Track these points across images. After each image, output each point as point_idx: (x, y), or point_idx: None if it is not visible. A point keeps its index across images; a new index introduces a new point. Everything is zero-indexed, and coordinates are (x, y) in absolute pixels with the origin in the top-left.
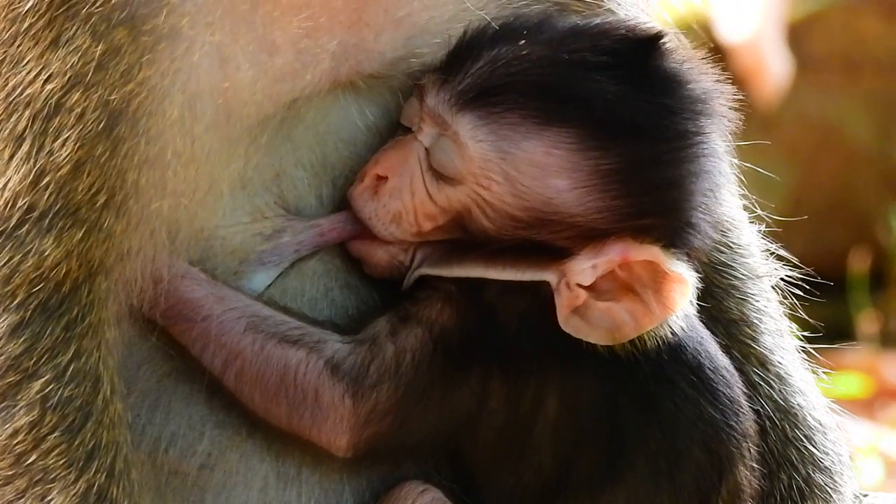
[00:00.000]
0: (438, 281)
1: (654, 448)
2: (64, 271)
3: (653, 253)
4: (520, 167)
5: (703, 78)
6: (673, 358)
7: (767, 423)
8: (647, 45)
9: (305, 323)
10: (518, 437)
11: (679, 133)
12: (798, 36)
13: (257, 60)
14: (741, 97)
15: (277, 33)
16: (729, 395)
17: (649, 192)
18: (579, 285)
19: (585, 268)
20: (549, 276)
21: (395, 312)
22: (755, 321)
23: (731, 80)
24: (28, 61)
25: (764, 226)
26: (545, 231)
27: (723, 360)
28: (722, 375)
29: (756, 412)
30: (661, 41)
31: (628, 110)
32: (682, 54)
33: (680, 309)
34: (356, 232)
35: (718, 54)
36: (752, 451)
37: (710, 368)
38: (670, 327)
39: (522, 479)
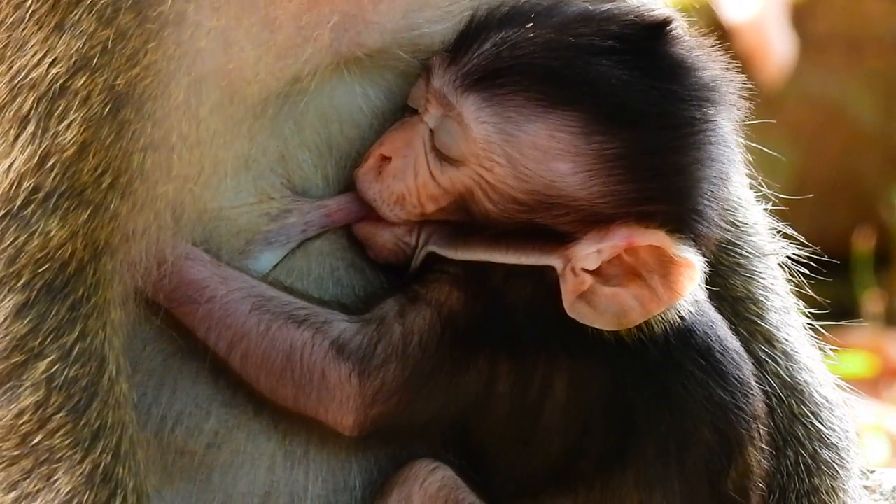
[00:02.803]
0: (446, 263)
1: (664, 431)
2: (69, 252)
3: (658, 238)
4: (523, 150)
5: (711, 65)
6: (682, 341)
7: (774, 399)
8: (655, 31)
9: (312, 303)
10: (527, 421)
11: (685, 120)
12: (801, 16)
13: (260, 40)
14: (745, 77)
15: (279, 11)
16: (738, 377)
17: (654, 178)
18: (584, 270)
19: (590, 252)
20: (554, 261)
21: (403, 293)
22: (761, 298)
23: (734, 61)
24: (32, 45)
25: (769, 205)
26: (548, 215)
27: (733, 343)
28: (731, 357)
29: (762, 389)
30: (670, 27)
31: (634, 96)
32: (691, 41)
33: (688, 293)
34: (363, 213)
35: (722, 34)
36: (761, 432)
37: (719, 351)
38: (679, 312)
39: (532, 462)
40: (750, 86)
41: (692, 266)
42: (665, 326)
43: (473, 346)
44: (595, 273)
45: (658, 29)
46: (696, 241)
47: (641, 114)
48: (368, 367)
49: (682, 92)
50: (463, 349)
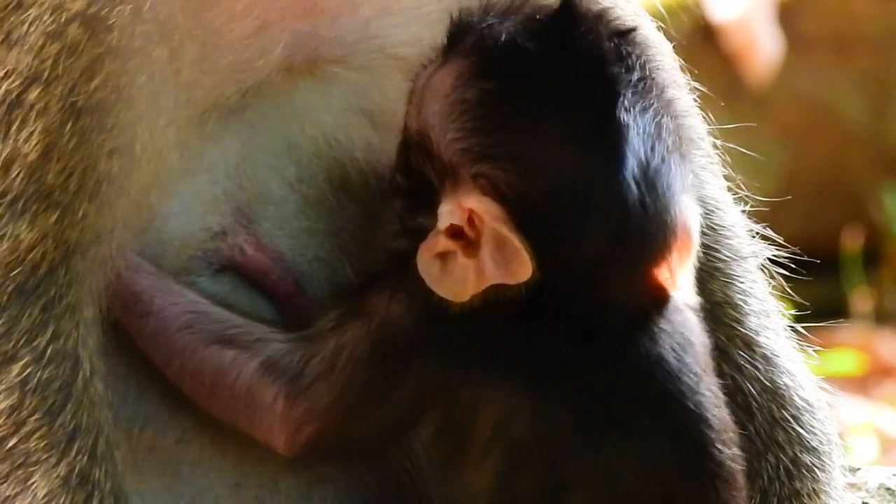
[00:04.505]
0: (394, 268)
1: (595, 495)
2: (40, 253)
3: (485, 205)
4: (425, 91)
5: (627, 47)
6: (631, 395)
7: (754, 404)
8: (567, 3)
9: (250, 320)
10: (456, 445)
11: (552, 84)
12: (789, 15)
13: (208, 59)
14: (733, 77)
15: (225, 36)
16: (694, 439)
17: (493, 133)
18: (440, 230)
19: (444, 211)
20: (433, 219)
21: (343, 306)
22: (740, 303)
23: (722, 60)
24: None
25: (757, 206)
26: (426, 161)
27: (695, 397)
28: (691, 414)
29: (742, 394)
30: (582, 10)
31: (505, 51)
32: (608, 21)
33: (516, 278)
34: (268, 271)
35: (709, 34)
36: (727, 497)
37: (678, 408)
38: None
39: (476, 499)
40: (737, 85)
41: (516, 247)
42: (608, 374)
43: (405, 357)
44: (456, 237)
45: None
46: (543, 226)
47: (503, 69)
48: (297, 388)
49: (564, 61)
50: (395, 360)
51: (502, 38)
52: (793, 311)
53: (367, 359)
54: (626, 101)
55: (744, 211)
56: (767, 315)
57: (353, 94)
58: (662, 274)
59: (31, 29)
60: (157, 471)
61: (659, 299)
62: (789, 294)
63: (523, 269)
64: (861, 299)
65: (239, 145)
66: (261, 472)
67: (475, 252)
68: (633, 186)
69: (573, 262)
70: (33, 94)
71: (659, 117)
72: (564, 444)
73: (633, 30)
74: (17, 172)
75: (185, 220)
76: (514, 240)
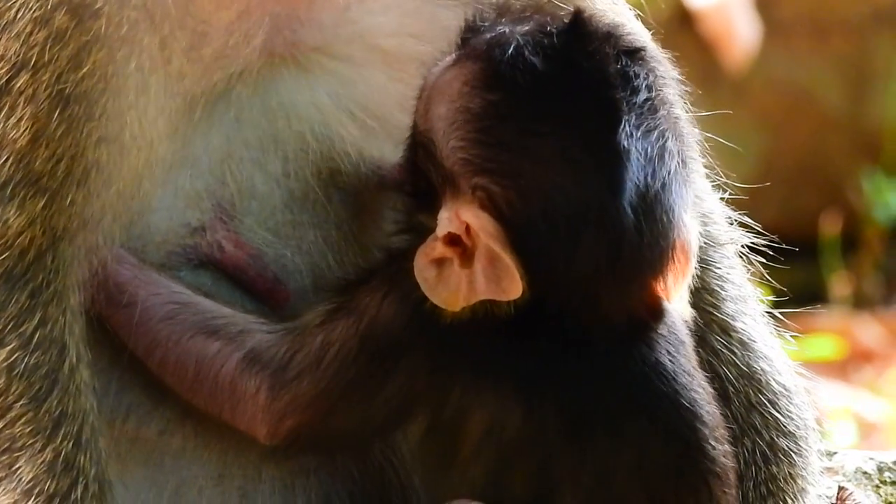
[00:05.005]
0: (387, 266)
1: (585, 493)
2: (28, 239)
3: (479, 219)
4: (432, 92)
5: (635, 67)
6: (619, 394)
7: (730, 389)
8: (575, 17)
9: (235, 311)
10: (444, 445)
11: (556, 103)
12: (767, 0)
13: (196, 48)
14: (711, 63)
15: (213, 25)
16: (688, 438)
17: (495, 147)
18: (437, 237)
19: (443, 218)
20: (432, 220)
21: (333, 302)
22: (716, 288)
23: (699, 46)
24: None
25: (736, 193)
26: (429, 164)
27: (689, 395)
28: (686, 413)
29: (719, 378)
30: (588, 22)
31: (513, 63)
32: (618, 38)
33: (506, 296)
34: (247, 268)
35: (687, 20)
36: (719, 493)
37: (673, 408)
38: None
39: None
40: (715, 71)
41: (508, 266)
42: (599, 375)
43: (393, 357)
44: (457, 247)
45: (577, 16)
46: (536, 245)
47: (508, 82)
48: (281, 380)
49: (569, 77)
50: (382, 360)
51: (511, 49)
52: (771, 297)
53: (354, 357)
54: (628, 126)
55: (722, 198)
56: (744, 300)
57: (339, 88)
58: (658, 291)
59: (19, 15)
60: (140, 461)
61: (654, 312)
62: (768, 280)
63: (514, 287)
64: (839, 284)
65: (224, 140)
66: (244, 463)
67: (470, 263)
68: (630, 213)
69: (565, 282)
70: (21, 81)
71: (663, 140)
72: (555, 445)
73: (642, 49)
74: (5, 158)
75: (165, 215)
76: (507, 259)
